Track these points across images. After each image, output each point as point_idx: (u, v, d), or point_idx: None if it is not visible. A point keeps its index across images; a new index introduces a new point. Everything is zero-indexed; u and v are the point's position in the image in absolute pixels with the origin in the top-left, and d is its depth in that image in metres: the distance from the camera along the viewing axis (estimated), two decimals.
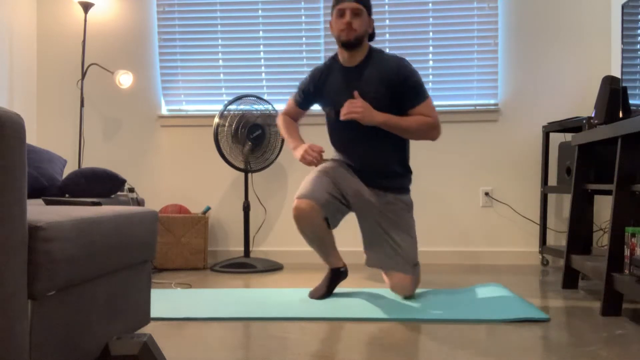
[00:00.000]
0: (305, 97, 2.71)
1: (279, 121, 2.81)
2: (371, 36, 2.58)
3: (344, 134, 2.58)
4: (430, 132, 2.48)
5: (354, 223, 3.80)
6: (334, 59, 2.61)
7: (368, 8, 2.50)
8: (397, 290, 2.54)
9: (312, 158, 2.49)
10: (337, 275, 2.62)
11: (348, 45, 2.47)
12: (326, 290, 2.57)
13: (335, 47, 3.72)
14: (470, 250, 3.76)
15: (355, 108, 2.39)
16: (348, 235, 3.80)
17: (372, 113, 2.40)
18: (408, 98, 2.46)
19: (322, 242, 2.55)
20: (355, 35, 2.45)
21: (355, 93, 2.43)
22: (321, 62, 3.86)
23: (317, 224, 2.47)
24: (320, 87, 2.61)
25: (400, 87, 2.45)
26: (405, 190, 2.62)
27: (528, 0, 3.76)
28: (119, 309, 1.61)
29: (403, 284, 2.50)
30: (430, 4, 3.77)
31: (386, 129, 2.45)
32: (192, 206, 3.88)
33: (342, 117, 2.41)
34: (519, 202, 3.75)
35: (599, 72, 3.67)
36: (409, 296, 2.54)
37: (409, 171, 2.63)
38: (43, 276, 1.18)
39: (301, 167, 3.84)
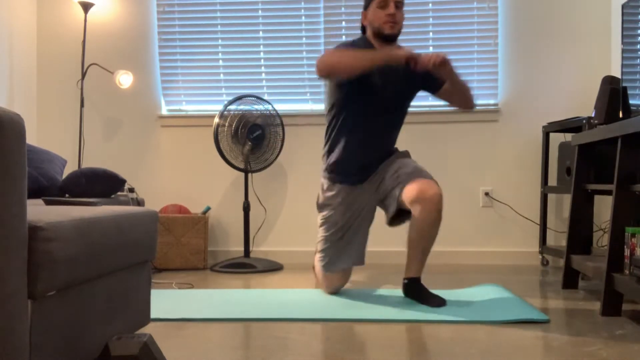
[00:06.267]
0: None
1: (332, 54, 2.36)
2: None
3: (371, 121, 2.48)
4: (472, 96, 2.52)
5: None
6: (366, 43, 2.51)
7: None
8: (426, 191, 2.31)
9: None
10: None
11: (392, 38, 2.47)
12: None
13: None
14: (470, 250, 3.76)
15: (436, 55, 2.24)
16: None
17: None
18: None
19: None
20: (399, 28, 2.46)
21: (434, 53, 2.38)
22: None
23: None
24: None
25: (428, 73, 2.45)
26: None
27: (528, 1, 3.76)
28: (119, 309, 1.61)
29: (430, 186, 2.33)
30: (430, 4, 3.77)
31: (454, 80, 2.43)
32: (192, 206, 3.88)
33: (430, 67, 2.25)
34: (519, 202, 3.75)
35: (599, 72, 3.67)
36: (439, 207, 2.32)
37: None
38: (43, 276, 1.18)
39: (301, 168, 3.84)
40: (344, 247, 2.60)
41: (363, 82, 2.43)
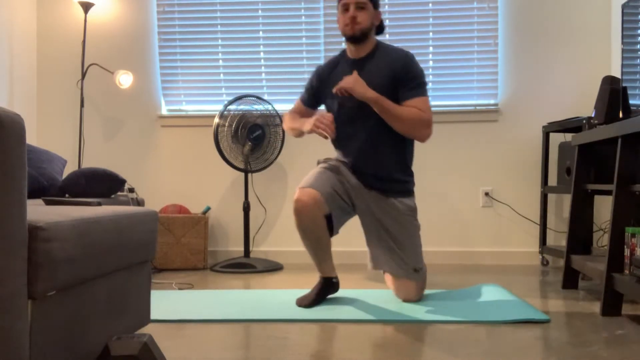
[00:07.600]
0: (311, 93, 2.66)
1: (285, 119, 2.71)
2: (379, 29, 2.56)
3: (343, 128, 2.49)
4: (421, 128, 2.41)
5: (354, 223, 3.81)
6: (342, 52, 2.60)
7: (373, 1, 2.48)
8: (400, 296, 2.49)
9: (325, 126, 2.36)
10: (328, 285, 2.49)
11: (353, 39, 2.46)
12: (314, 299, 2.41)
13: (336, 47, 3.73)
14: (470, 250, 3.76)
15: (346, 80, 2.37)
16: (349, 236, 3.80)
17: (364, 86, 2.36)
18: (407, 88, 2.42)
19: (319, 242, 2.43)
20: (360, 28, 2.43)
21: (354, 72, 2.41)
22: (321, 62, 3.86)
23: (318, 218, 2.37)
24: (325, 80, 2.58)
25: (402, 79, 2.42)
26: (408, 193, 2.52)
27: (528, 0, 3.76)
28: (119, 309, 1.61)
29: (406, 290, 2.46)
30: (430, 4, 3.77)
31: (377, 108, 2.37)
32: (192, 206, 3.88)
33: (334, 90, 2.40)
34: (519, 202, 3.75)
35: (599, 72, 3.67)
36: (413, 301, 2.47)
37: (410, 175, 2.54)
38: (43, 276, 1.18)
39: (301, 167, 3.84)
40: (318, 175, 2.48)
41: (328, 104, 2.63)
